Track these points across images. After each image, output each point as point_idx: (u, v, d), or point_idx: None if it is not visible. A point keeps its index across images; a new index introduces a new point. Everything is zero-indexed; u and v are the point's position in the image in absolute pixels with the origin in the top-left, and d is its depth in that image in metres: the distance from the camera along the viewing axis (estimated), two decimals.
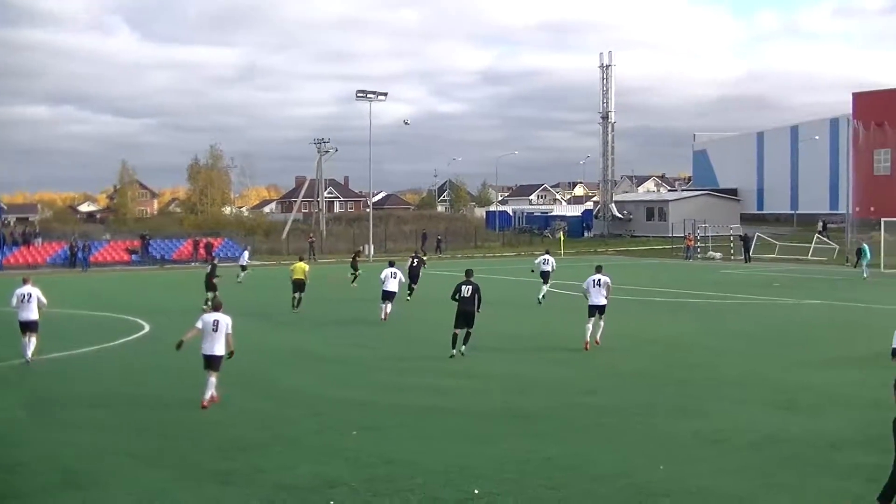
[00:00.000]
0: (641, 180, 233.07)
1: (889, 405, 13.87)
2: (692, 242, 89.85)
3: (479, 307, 28.33)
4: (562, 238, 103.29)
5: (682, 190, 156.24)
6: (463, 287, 28.32)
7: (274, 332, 34.79)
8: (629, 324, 35.26)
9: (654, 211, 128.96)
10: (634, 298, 45.61)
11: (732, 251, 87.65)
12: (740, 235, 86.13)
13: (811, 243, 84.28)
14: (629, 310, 39.94)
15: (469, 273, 29.00)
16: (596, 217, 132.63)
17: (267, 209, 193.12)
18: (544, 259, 45.89)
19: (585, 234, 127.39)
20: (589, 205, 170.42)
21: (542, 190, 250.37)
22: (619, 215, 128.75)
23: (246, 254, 63.96)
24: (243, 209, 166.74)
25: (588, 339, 30.04)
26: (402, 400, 21.93)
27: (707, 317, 39.01)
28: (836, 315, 39.28)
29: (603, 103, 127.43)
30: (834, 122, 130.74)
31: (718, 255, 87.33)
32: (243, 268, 60.97)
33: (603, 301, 30.45)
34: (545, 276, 45.17)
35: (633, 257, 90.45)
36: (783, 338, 32.40)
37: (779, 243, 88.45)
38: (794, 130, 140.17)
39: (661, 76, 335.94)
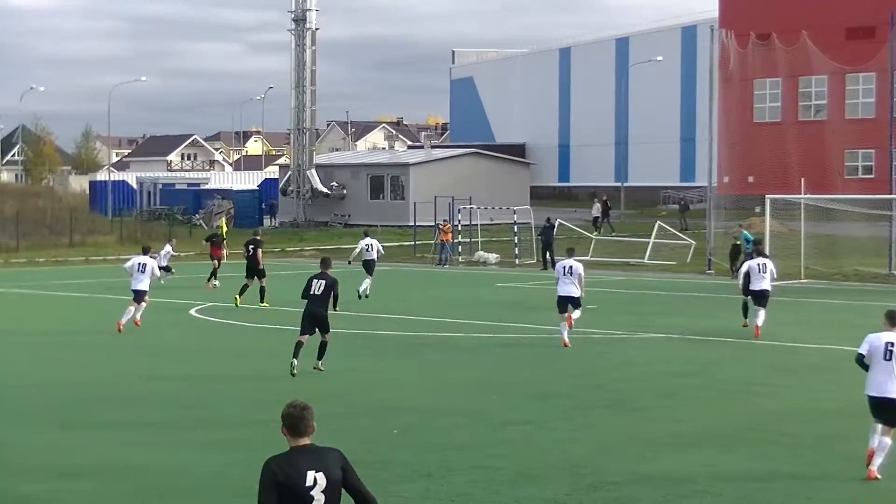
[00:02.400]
0: (363, 130, 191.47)
1: None
2: (449, 236, 62.47)
3: (336, 306, 26.02)
4: (223, 228, 68.25)
5: (433, 146, 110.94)
6: (314, 282, 25.58)
7: None
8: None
9: (385, 182, 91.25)
10: (350, 332, 32.12)
11: (519, 251, 62.09)
12: (543, 226, 60.08)
13: (650, 236, 61.96)
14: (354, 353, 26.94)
15: (325, 263, 26.32)
16: (285, 193, 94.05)
17: None
18: (367, 245, 43.13)
19: (267, 222, 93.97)
20: (272, 171, 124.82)
21: (191, 145, 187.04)
22: (325, 190, 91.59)
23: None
24: None
25: (566, 338, 28.76)
26: None
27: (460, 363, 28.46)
28: (690, 356, 28.05)
29: None
30: (688, 33, 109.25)
31: (494, 256, 62.97)
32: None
33: (576, 292, 29.51)
34: (369, 265, 42.41)
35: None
36: (591, 396, 22.69)
37: (595, 237, 67.12)
38: (623, 46, 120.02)
39: None
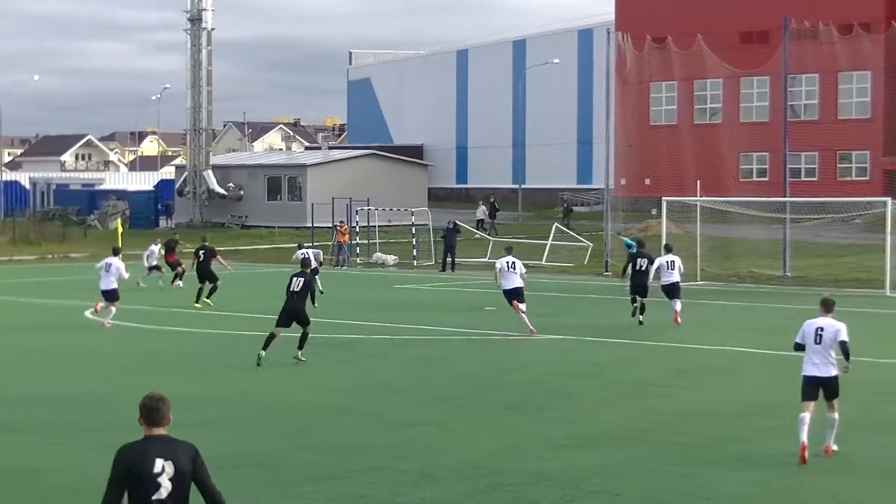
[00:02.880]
0: (260, 131, 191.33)
1: None
2: (346, 238, 62.04)
3: (314, 302, 29.58)
4: (119, 229, 67.74)
5: (331, 147, 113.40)
6: (294, 280, 27.50)
7: None
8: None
9: (282, 183, 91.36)
10: (249, 334, 31.72)
11: (417, 253, 62.44)
12: (446, 228, 59.59)
13: (548, 238, 61.90)
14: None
15: (304, 263, 28.74)
16: (181, 194, 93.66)
17: None
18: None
19: (163, 223, 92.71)
20: (168, 172, 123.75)
21: (85, 145, 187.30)
22: (222, 190, 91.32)
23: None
24: None
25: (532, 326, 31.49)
26: None
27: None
28: (588, 357, 28.39)
29: None
30: (585, 36, 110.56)
31: (392, 258, 62.84)
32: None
33: (519, 283, 32.14)
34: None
35: (246, 262, 60.67)
36: (490, 397, 22.94)
37: (493, 239, 66.74)
38: (520, 48, 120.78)
39: None
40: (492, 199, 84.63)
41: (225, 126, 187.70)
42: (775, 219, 55.27)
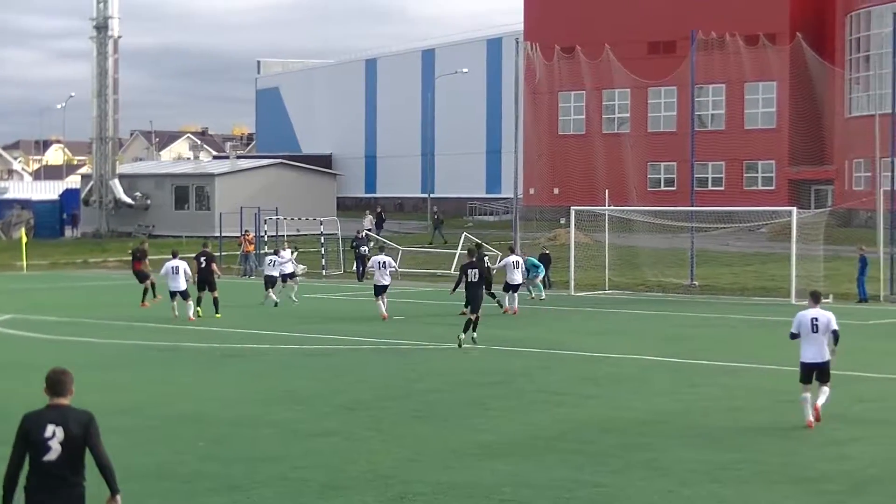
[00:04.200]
0: (168, 139, 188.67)
1: None
2: (252, 247, 61.90)
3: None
4: (24, 239, 67.68)
5: (239, 157, 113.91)
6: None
7: None
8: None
9: (190, 192, 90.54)
10: (154, 343, 31.25)
11: (326, 262, 62.33)
12: (360, 236, 60.52)
13: (457, 247, 61.22)
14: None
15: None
16: (87, 203, 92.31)
17: None
18: (271, 261, 45.22)
19: (69, 233, 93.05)
20: (74, 181, 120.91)
21: None
22: (129, 200, 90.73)
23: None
24: None
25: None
26: None
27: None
28: (496, 366, 28.34)
29: (98, 3, 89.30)
30: (494, 46, 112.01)
31: (301, 268, 58.44)
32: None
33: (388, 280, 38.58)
34: (271, 281, 44.45)
35: (155, 272, 57.86)
36: (398, 406, 22.73)
37: (402, 248, 65.08)
38: (429, 57, 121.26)
39: None
40: (379, 210, 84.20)
41: (132, 135, 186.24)
42: (682, 228, 55.68)
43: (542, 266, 46.31)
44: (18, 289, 47.49)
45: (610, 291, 48.76)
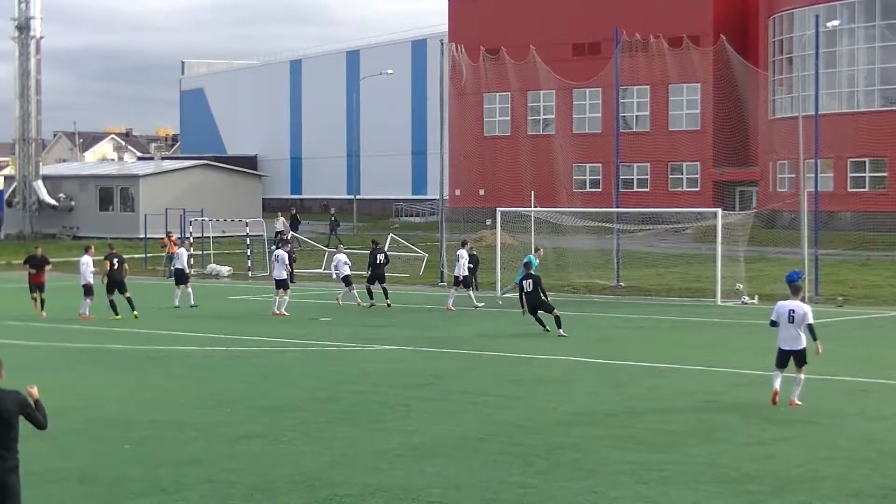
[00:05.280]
0: (92, 141, 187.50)
1: None
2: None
3: (545, 295, 34.13)
4: None
5: (163, 158, 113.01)
6: (524, 283, 33.96)
7: None
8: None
9: (115, 193, 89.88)
10: (78, 346, 31.04)
11: (252, 264, 61.06)
12: (281, 238, 59.54)
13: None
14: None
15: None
16: (10, 204, 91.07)
17: None
18: (276, 256, 42.60)
19: None
20: None
21: None
22: (53, 201, 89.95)
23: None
24: None
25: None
26: None
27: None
28: (422, 367, 28.40)
29: (20, 3, 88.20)
30: (418, 47, 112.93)
31: (226, 269, 61.50)
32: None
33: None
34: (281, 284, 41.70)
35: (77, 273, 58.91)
36: (324, 408, 22.61)
37: (328, 249, 63.31)
38: (354, 58, 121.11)
39: None
40: (293, 212, 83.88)
41: (55, 136, 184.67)
42: (608, 229, 55.92)
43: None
44: None
45: None
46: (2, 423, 11.11)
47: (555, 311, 33.64)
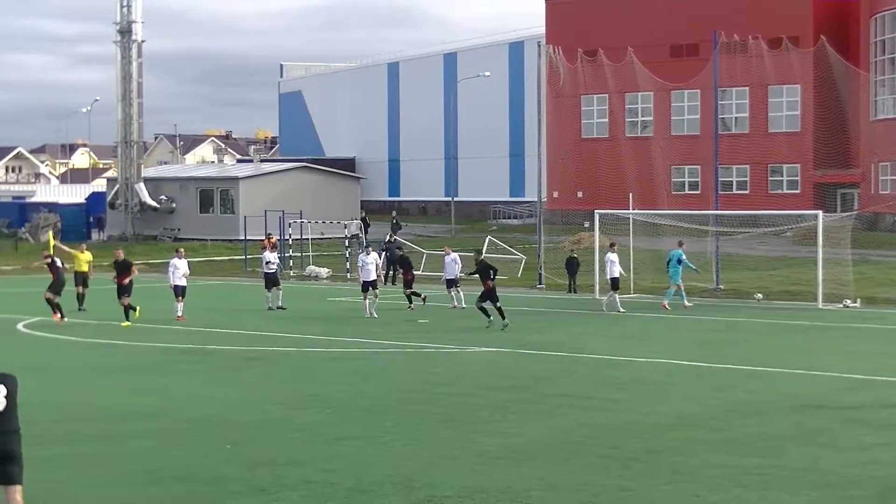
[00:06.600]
0: (192, 143, 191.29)
1: None
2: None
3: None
4: (51, 241, 58.80)
5: (262, 160, 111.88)
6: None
7: None
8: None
9: (215, 195, 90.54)
10: (179, 346, 31.11)
11: (350, 265, 59.52)
12: (389, 240, 59.91)
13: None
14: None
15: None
16: (112, 206, 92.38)
17: None
18: (364, 264, 42.18)
19: (95, 236, 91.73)
20: (100, 184, 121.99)
21: (15, 157, 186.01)
22: (154, 203, 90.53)
23: None
24: None
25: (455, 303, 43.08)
26: None
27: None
28: (521, 370, 28.13)
29: (122, 8, 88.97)
30: (515, 49, 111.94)
31: (325, 270, 61.89)
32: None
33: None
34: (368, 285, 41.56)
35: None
36: (422, 410, 22.68)
37: (427, 252, 63.94)
38: (451, 60, 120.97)
39: None
40: (363, 215, 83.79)
41: (156, 138, 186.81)
42: (706, 231, 55.45)
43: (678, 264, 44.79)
44: (44, 291, 47.54)
45: (634, 295, 48.55)
46: (10, 397, 12.54)
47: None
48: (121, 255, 40.15)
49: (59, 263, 38.99)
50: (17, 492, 12.19)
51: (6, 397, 12.48)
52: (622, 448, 18.49)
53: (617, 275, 43.20)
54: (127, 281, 38.42)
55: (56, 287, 38.49)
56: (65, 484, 16.39)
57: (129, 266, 39.17)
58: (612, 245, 45.03)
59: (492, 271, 36.65)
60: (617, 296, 42.76)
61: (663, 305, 43.05)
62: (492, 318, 36.28)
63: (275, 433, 19.87)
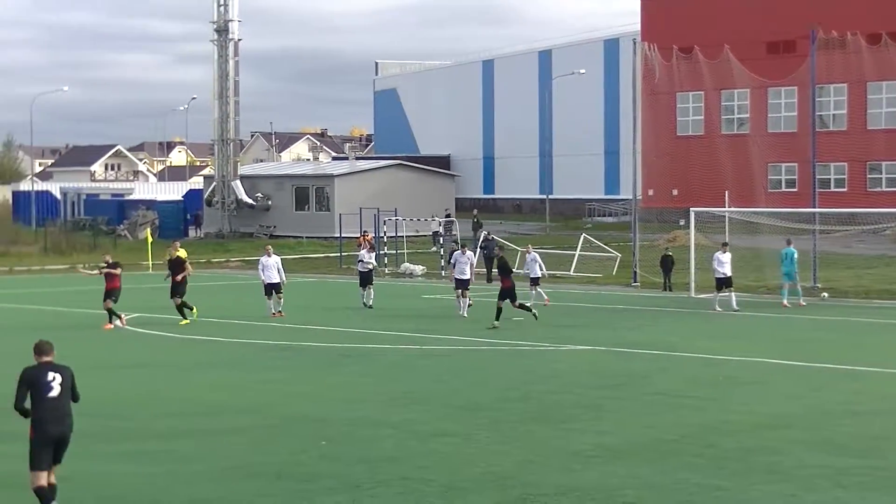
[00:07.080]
0: (288, 141, 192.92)
1: None
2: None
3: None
4: (149, 239, 68.15)
5: (358, 158, 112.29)
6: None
7: None
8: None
9: (310, 193, 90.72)
10: (275, 343, 31.34)
11: (445, 263, 57.57)
12: (485, 239, 59.21)
13: (576, 248, 60.57)
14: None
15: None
16: (210, 204, 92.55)
17: None
18: (458, 262, 40.83)
19: (192, 233, 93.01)
20: (197, 182, 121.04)
21: (114, 155, 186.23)
22: (250, 200, 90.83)
23: None
24: None
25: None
26: None
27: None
28: (615, 368, 28.19)
29: (219, 7, 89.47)
30: (611, 46, 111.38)
31: (420, 268, 61.66)
32: None
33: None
34: (464, 284, 40.50)
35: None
36: (517, 408, 22.80)
37: (521, 250, 58.21)
38: (545, 58, 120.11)
39: None
40: (447, 212, 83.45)
41: (252, 136, 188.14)
42: (804, 230, 54.88)
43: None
44: (144, 288, 48.14)
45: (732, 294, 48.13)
46: (64, 384, 14.42)
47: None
48: (175, 251, 38.52)
49: (118, 271, 37.20)
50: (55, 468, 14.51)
51: (60, 384, 14.28)
52: (717, 447, 18.40)
53: (729, 274, 42.15)
54: (181, 278, 37.40)
55: (113, 294, 36.98)
56: (161, 478, 16.60)
57: (183, 263, 37.86)
58: (724, 245, 44.49)
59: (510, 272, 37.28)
60: (733, 294, 42.07)
61: (784, 305, 42.64)
62: (498, 323, 36.11)
63: (369, 430, 19.98)
